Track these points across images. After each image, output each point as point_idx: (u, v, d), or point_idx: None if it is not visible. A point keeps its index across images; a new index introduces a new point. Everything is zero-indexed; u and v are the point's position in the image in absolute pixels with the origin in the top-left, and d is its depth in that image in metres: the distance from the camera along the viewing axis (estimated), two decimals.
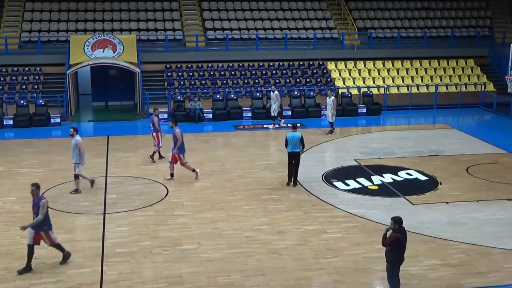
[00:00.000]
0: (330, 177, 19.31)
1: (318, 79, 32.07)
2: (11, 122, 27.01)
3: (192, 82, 31.18)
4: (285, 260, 13.26)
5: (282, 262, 13.18)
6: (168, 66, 32.01)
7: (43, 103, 28.01)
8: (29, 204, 16.64)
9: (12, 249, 13.79)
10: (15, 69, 30.89)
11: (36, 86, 30.10)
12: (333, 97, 25.05)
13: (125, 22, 33.76)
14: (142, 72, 30.15)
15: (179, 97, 29.14)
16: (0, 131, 26.36)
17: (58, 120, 27.47)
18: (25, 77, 30.61)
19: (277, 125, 26.90)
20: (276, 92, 27.06)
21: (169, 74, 31.69)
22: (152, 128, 21.09)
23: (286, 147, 18.38)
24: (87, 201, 17.06)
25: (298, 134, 18.32)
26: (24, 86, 30.00)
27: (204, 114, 28.40)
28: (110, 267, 12.89)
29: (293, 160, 18.39)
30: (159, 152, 21.23)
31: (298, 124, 27.06)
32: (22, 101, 27.99)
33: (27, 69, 31.02)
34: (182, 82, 31.13)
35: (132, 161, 21.31)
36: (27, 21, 33.12)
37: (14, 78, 30.49)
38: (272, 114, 26.95)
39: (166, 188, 18.18)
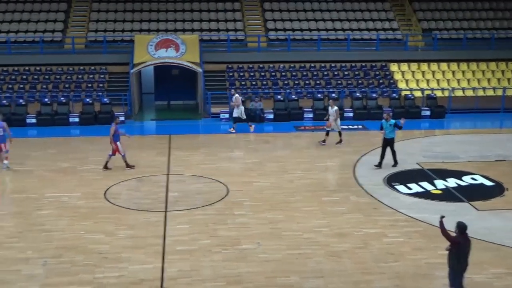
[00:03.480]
0: (392, 180, 19.00)
1: (381, 81, 31.66)
2: (77, 119, 27.69)
3: (253, 83, 31.27)
4: (345, 263, 13.11)
5: (341, 264, 13.04)
6: (230, 66, 32.20)
7: (107, 102, 28.63)
8: (93, 200, 17.09)
9: (76, 243, 14.09)
10: (82, 68, 31.66)
11: (101, 85, 30.77)
12: (335, 108, 23.52)
13: (188, 22, 34.14)
14: (204, 72, 30.41)
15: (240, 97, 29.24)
16: (66, 128, 27.08)
17: (122, 118, 27.99)
18: (91, 76, 31.34)
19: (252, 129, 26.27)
20: (237, 95, 26.52)
21: (231, 74, 31.86)
22: (114, 137, 20.28)
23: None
24: (149, 199, 17.31)
25: (392, 121, 20.33)
26: (90, 85, 30.72)
27: (265, 115, 28.44)
28: (170, 264, 13.02)
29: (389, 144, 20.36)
30: (106, 162, 20.32)
31: (360, 126, 26.93)
32: (87, 99, 28.67)
33: (93, 68, 31.75)
34: (243, 82, 31.26)
35: (193, 160, 21.51)
36: (93, 21, 33.89)
37: (80, 76, 31.25)
38: (243, 118, 26.31)
39: (227, 187, 18.26)
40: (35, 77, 30.97)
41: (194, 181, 19.10)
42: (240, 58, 32.33)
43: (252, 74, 31.90)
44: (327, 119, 23.51)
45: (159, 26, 33.82)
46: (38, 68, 31.40)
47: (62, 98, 28.75)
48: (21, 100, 28.59)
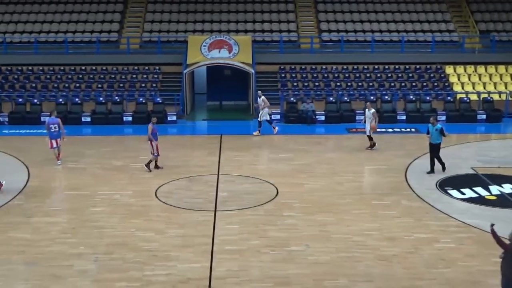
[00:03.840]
0: (445, 185, 18.62)
1: (435, 84, 31.11)
2: (130, 118, 28.11)
3: (305, 84, 31.17)
4: (394, 268, 12.91)
5: (391, 269, 12.84)
6: (282, 67, 32.19)
7: (160, 101, 28.98)
8: (144, 198, 17.31)
9: (127, 241, 14.29)
10: (136, 68, 32.14)
11: (154, 85, 31.17)
12: (373, 110, 22.91)
13: (241, 23, 34.28)
14: (256, 73, 30.48)
15: (292, 99, 29.23)
16: (120, 127, 27.52)
17: (174, 118, 28.31)
18: (145, 76, 31.78)
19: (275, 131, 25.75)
20: (263, 97, 26.07)
21: (283, 75, 31.84)
22: (151, 136, 20.22)
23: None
24: (199, 198, 17.43)
25: (438, 126, 19.68)
26: (143, 85, 31.15)
27: (317, 116, 28.30)
28: (218, 264, 13.07)
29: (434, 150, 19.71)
30: (155, 161, 20.29)
31: (413, 129, 26.55)
32: (141, 99, 29.09)
33: (147, 68, 32.19)
34: (295, 84, 31.20)
35: (243, 160, 21.57)
36: (148, 22, 34.40)
37: (134, 76, 31.72)
38: (259, 120, 25.89)
39: (276, 188, 18.23)
40: (91, 76, 31.61)
41: (244, 181, 19.14)
42: (293, 59, 32.29)
43: (304, 75, 31.80)
44: (364, 122, 23.13)
45: (213, 27, 34.07)
46: (94, 67, 32.03)
47: (116, 98, 29.26)
48: (77, 99, 29.22)
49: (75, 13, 34.81)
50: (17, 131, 26.32)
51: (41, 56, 32.02)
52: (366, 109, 23.14)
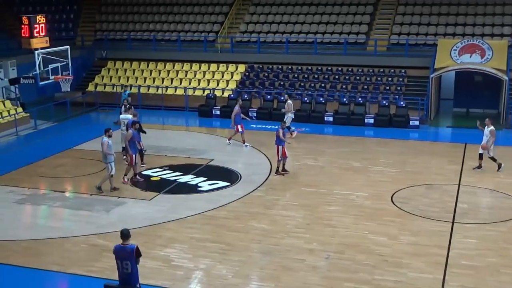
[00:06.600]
0: None
1: None
2: (372, 121, 27.98)
3: None
4: None
5: None
6: None
7: (404, 105, 28.44)
8: (379, 201, 17.11)
9: (359, 242, 14.25)
10: (381, 70, 31.93)
11: (399, 88, 30.68)
12: (491, 127, 19.79)
13: (497, 27, 32.26)
14: (510, 80, 28.48)
15: None
16: (361, 128, 27.49)
17: (417, 123, 27.59)
18: (390, 79, 31.43)
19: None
20: (289, 101, 24.39)
21: None
22: (276, 141, 19.68)
23: None
24: (436, 207, 16.75)
25: None
26: (387, 87, 30.85)
27: None
28: (452, 277, 12.44)
29: None
30: (283, 165, 19.97)
31: None
32: (384, 102, 28.83)
33: (392, 70, 31.80)
34: None
35: (487, 172, 20.25)
36: (397, 24, 33.94)
37: (379, 78, 31.55)
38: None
39: None
40: (336, 77, 32.10)
41: (487, 194, 18.02)
42: None
43: None
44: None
45: (465, 30, 32.55)
46: (339, 68, 32.50)
47: (359, 99, 29.34)
48: (321, 99, 29.87)
49: (325, 15, 35.63)
50: (263, 126, 27.63)
51: (291, 55, 33.32)
52: (486, 127, 20.27)
